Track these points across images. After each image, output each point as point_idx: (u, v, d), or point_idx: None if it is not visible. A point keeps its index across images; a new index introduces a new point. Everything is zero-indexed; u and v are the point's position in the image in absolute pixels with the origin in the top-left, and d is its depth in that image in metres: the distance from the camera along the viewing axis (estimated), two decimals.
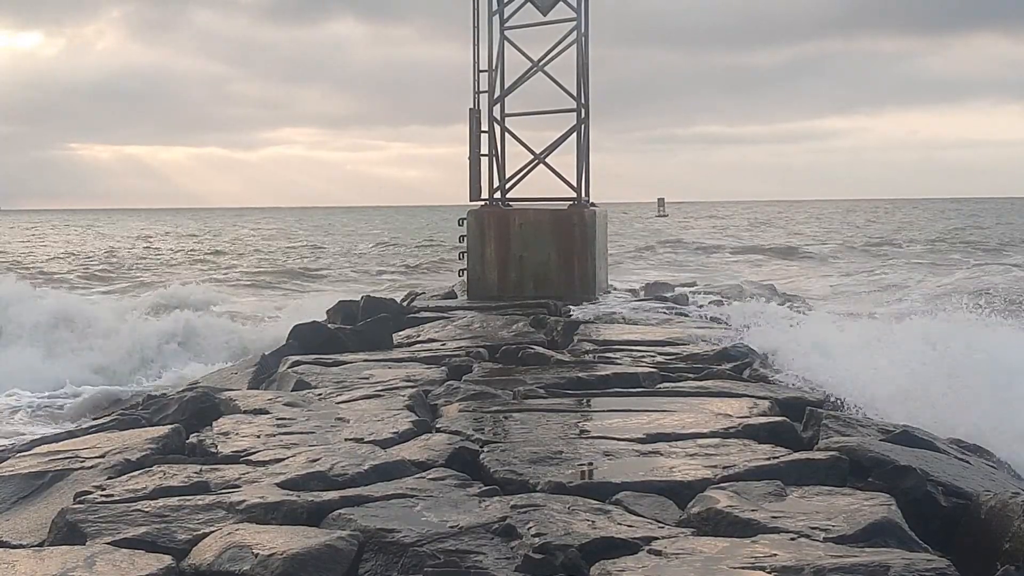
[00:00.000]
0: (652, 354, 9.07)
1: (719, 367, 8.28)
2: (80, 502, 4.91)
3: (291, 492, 4.90)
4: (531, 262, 13.66)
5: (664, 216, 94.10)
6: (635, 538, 4.24)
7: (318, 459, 5.45)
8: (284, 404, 7.18)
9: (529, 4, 14.11)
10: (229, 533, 4.34)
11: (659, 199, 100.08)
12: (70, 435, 6.99)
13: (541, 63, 14.11)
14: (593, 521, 4.43)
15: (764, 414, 6.47)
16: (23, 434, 9.44)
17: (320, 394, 7.61)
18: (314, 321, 11.53)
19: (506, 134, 14.36)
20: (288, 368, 8.90)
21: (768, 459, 5.32)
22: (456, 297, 14.33)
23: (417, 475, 5.23)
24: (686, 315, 12.08)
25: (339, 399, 7.36)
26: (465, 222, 14.15)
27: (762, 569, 3.86)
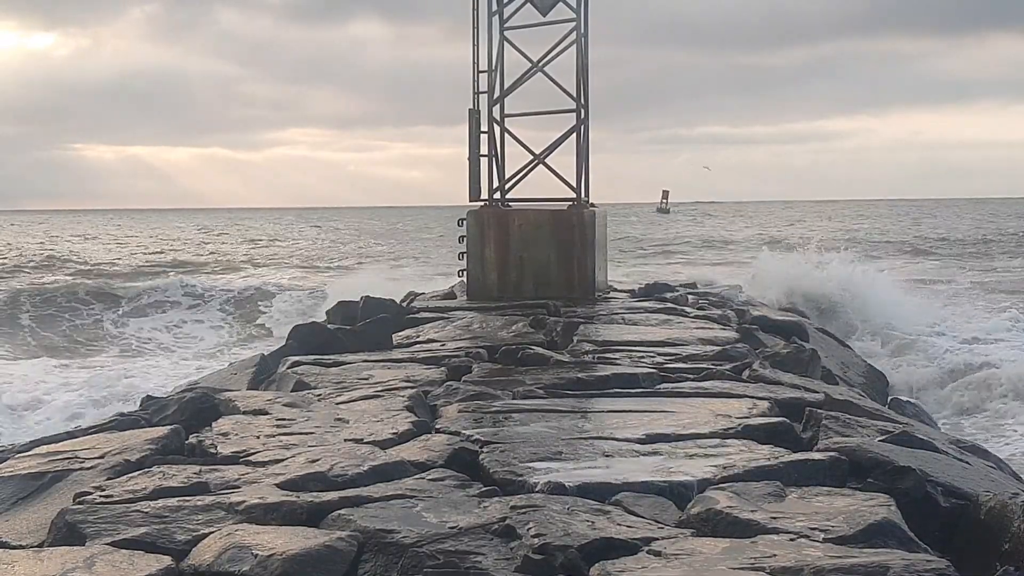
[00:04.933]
0: (652, 354, 9.07)
1: (719, 367, 8.28)
2: (79, 503, 4.91)
3: (291, 493, 4.90)
4: (531, 262, 13.66)
5: (666, 212, 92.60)
6: (635, 539, 4.24)
7: (318, 460, 5.45)
8: (284, 405, 7.18)
9: (529, 4, 14.11)
10: (229, 534, 4.35)
11: (663, 191, 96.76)
12: (69, 436, 6.99)
13: (541, 63, 14.10)
14: (593, 522, 4.43)
15: (764, 415, 6.47)
16: None
17: (320, 395, 7.61)
18: (313, 321, 11.54)
19: (506, 134, 14.36)
20: (288, 369, 8.90)
21: (768, 460, 5.33)
22: (455, 298, 14.33)
23: (417, 476, 5.23)
24: (686, 315, 12.08)
25: (339, 400, 7.36)
26: (464, 222, 14.15)
27: (761, 570, 3.87)
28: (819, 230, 57.32)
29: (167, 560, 4.20)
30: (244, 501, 4.74)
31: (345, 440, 5.96)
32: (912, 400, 11.76)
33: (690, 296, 14.59)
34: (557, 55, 14.04)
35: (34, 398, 12.69)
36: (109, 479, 5.37)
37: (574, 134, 14.03)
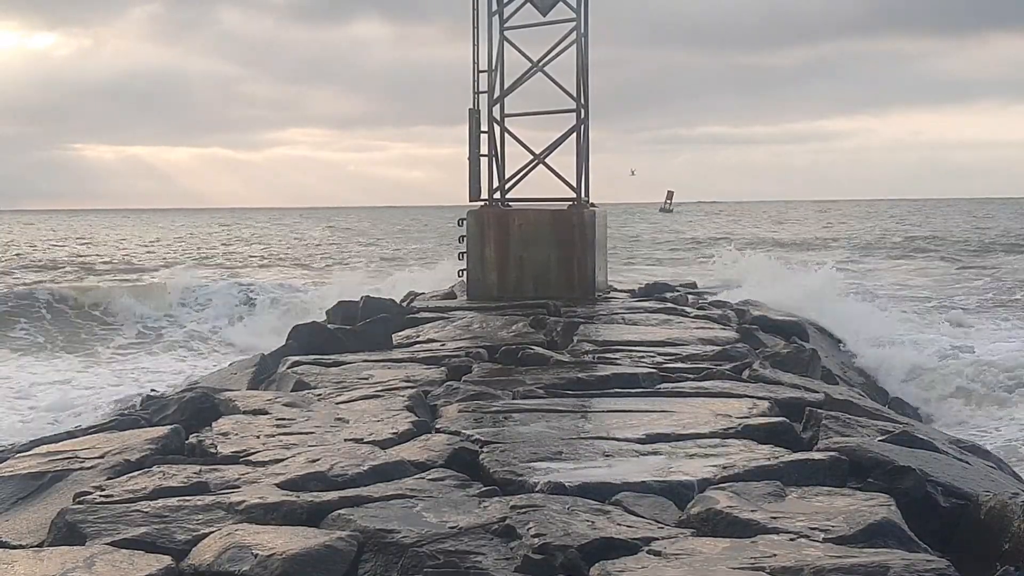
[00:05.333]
0: (652, 354, 9.07)
1: (719, 367, 8.28)
2: (79, 503, 4.91)
3: (291, 492, 4.90)
4: (531, 262, 13.66)
5: (669, 212, 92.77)
6: (635, 538, 4.24)
7: (318, 459, 5.45)
8: (284, 404, 7.18)
9: (529, 4, 14.11)
10: (229, 533, 4.34)
11: (668, 192, 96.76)
12: (69, 435, 6.99)
13: (541, 63, 14.11)
14: (593, 521, 4.43)
15: (764, 414, 6.47)
16: None
17: (320, 394, 7.61)
18: (313, 321, 11.53)
19: (506, 134, 14.36)
20: (288, 368, 8.89)
21: (768, 459, 5.33)
22: (455, 297, 14.33)
23: (417, 475, 5.23)
24: (686, 315, 12.07)
25: (339, 399, 7.36)
26: (465, 222, 14.15)
27: (761, 570, 3.86)
28: (838, 230, 57.23)
29: (167, 560, 4.20)
30: (244, 501, 4.74)
31: (345, 440, 5.96)
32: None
33: (690, 296, 14.58)
34: (557, 55, 14.04)
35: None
36: (109, 479, 5.36)
37: (574, 134, 14.03)
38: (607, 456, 5.53)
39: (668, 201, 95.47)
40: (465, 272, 14.31)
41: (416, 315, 12.18)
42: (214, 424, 6.54)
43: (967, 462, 6.11)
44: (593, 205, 14.25)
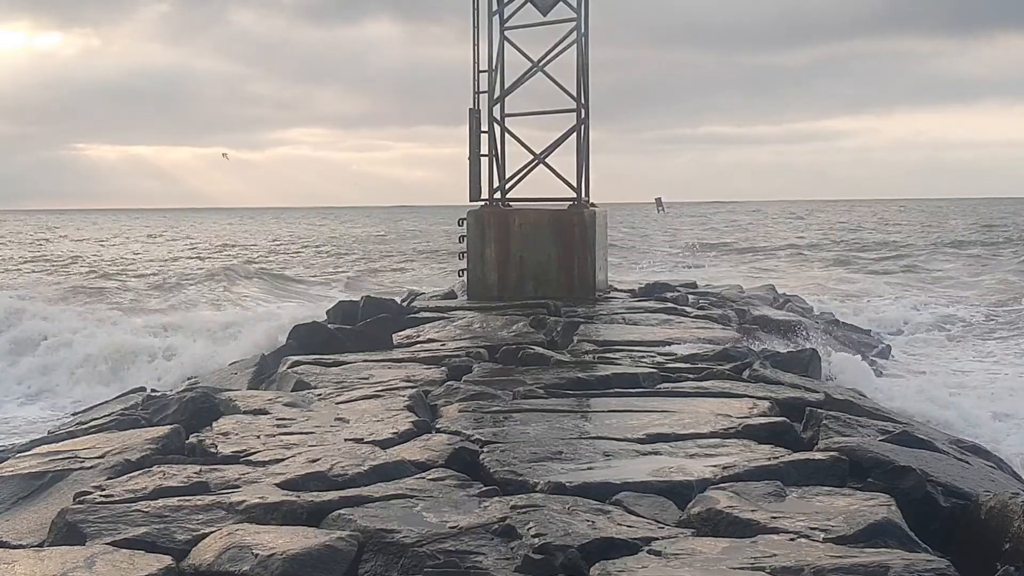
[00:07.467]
0: (652, 354, 9.07)
1: (719, 367, 8.28)
2: (80, 502, 4.91)
3: (291, 492, 4.90)
4: (531, 262, 13.66)
5: (662, 212, 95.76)
6: (635, 538, 4.24)
7: (318, 459, 5.45)
8: (284, 404, 7.18)
9: (529, 4, 14.11)
10: (229, 533, 4.34)
11: (657, 198, 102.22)
12: (70, 435, 6.99)
13: (541, 63, 14.10)
14: (593, 521, 4.43)
15: (764, 414, 6.47)
16: None
17: (320, 394, 7.61)
18: (314, 321, 11.53)
19: (506, 134, 14.36)
20: (288, 368, 8.89)
21: (768, 459, 5.33)
22: (456, 297, 14.33)
23: (417, 475, 5.23)
24: (686, 315, 12.07)
25: (339, 399, 7.36)
26: (465, 222, 14.15)
27: (762, 569, 3.86)
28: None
29: (167, 560, 4.20)
30: (244, 501, 4.74)
31: (345, 440, 5.96)
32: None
33: (690, 296, 14.58)
34: (557, 55, 14.04)
35: None
36: (109, 479, 5.37)
37: (574, 134, 14.03)
38: (607, 456, 5.53)
39: (660, 207, 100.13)
40: (465, 272, 14.31)
41: (416, 315, 12.18)
42: (214, 424, 6.54)
43: (967, 462, 6.12)
44: (593, 205, 14.25)
